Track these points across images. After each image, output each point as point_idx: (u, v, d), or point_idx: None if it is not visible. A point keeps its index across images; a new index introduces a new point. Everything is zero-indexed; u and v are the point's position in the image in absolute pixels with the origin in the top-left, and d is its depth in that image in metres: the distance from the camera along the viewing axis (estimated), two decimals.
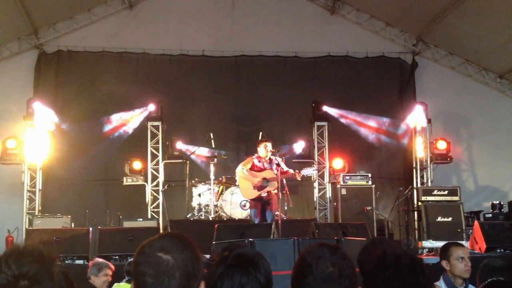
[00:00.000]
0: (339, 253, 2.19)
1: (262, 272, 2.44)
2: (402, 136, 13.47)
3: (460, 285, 4.91)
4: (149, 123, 12.95)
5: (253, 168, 9.83)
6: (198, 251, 1.99)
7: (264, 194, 9.69)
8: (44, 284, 1.89)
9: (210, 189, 11.58)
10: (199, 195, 11.65)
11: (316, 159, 13.09)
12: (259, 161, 9.85)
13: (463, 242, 9.74)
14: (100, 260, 6.75)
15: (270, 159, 9.76)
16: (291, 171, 9.66)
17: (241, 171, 9.88)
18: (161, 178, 12.85)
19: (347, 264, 2.16)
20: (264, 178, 9.66)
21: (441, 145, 13.16)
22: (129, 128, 13.02)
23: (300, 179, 9.98)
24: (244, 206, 11.15)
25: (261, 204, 9.78)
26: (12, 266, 1.86)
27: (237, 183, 11.35)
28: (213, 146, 12.16)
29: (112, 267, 6.60)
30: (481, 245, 9.08)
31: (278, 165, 9.43)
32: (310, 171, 10.20)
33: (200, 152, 12.57)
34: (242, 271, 2.41)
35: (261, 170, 9.78)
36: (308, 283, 2.13)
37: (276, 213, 9.49)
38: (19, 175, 12.35)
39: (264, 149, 9.77)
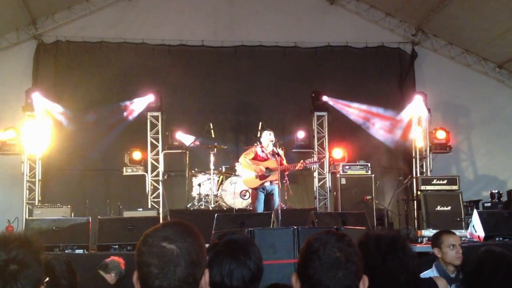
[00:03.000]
0: (345, 240, 2.20)
1: (252, 258, 2.44)
2: (401, 126, 13.46)
3: (451, 272, 4.95)
4: (149, 113, 12.94)
5: (256, 158, 9.84)
6: (201, 238, 1.99)
7: (267, 184, 9.70)
8: (33, 268, 1.91)
9: (210, 179, 11.60)
10: (199, 185, 11.65)
11: (316, 149, 13.11)
12: (262, 152, 9.86)
13: (462, 231, 9.80)
14: (122, 261, 6.84)
15: (273, 150, 9.77)
16: (294, 166, 9.67)
17: (243, 160, 9.90)
18: (161, 168, 12.86)
19: (353, 250, 2.18)
20: (267, 168, 9.67)
21: (441, 135, 13.19)
22: (129, 119, 13.00)
23: (301, 168, 9.97)
24: (244, 195, 11.16)
25: (264, 194, 9.80)
26: (1, 252, 1.87)
27: (237, 173, 11.39)
28: (213, 136, 12.16)
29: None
30: (479, 234, 9.09)
31: (278, 154, 9.45)
32: (312, 162, 10.23)
33: (199, 142, 12.56)
34: (231, 257, 2.41)
35: (264, 160, 9.80)
36: (315, 268, 2.13)
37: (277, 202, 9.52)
38: (18, 165, 12.37)
39: (266, 138, 9.78)
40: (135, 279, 1.95)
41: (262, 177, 9.68)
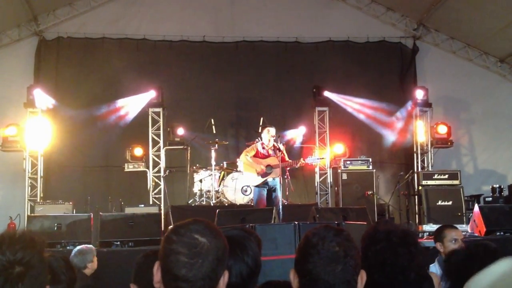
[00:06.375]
0: (343, 234, 2.18)
1: (249, 254, 2.46)
2: (402, 121, 13.46)
3: None
4: (150, 109, 12.94)
5: (257, 155, 9.83)
6: (226, 240, 2.04)
7: (269, 179, 9.71)
8: (38, 269, 1.92)
9: (211, 175, 11.62)
10: (200, 181, 11.68)
11: (317, 145, 13.11)
12: (263, 148, 9.85)
13: (463, 226, 9.81)
14: (85, 246, 6.71)
15: (274, 146, 9.77)
16: (296, 163, 9.69)
17: (245, 158, 9.90)
18: (162, 164, 12.86)
19: (352, 245, 2.16)
20: (268, 165, 9.67)
21: (442, 130, 13.18)
22: (130, 115, 13.00)
23: (302, 165, 9.98)
24: (246, 191, 11.18)
25: (266, 190, 9.80)
26: (6, 253, 1.87)
27: (238, 169, 11.39)
28: (214, 132, 12.17)
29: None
30: (480, 228, 9.12)
31: (279, 150, 9.47)
32: (314, 160, 10.22)
33: (200, 138, 12.58)
34: (229, 253, 2.44)
35: (265, 157, 9.80)
36: (314, 263, 2.11)
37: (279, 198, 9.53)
38: (20, 162, 12.39)
39: (267, 134, 9.78)
40: (156, 269, 1.98)
41: (263, 175, 9.69)
